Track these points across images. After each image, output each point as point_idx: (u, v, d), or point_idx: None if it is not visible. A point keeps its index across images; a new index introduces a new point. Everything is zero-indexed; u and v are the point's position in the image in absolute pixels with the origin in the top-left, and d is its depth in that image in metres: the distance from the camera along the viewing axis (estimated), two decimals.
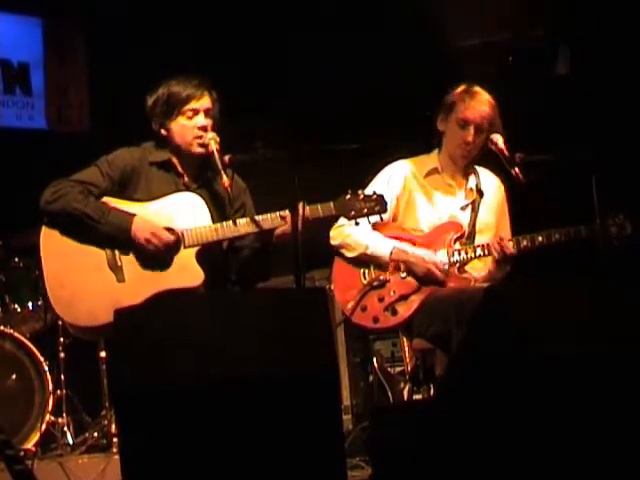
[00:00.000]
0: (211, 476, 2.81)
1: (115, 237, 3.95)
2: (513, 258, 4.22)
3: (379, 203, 4.02)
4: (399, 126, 5.88)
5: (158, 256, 3.94)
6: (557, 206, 5.35)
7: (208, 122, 4.06)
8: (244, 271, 4.18)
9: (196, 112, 4.06)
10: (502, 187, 4.48)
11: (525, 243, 4.23)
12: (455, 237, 4.30)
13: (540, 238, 4.22)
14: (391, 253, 4.26)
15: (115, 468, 4.22)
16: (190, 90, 4.06)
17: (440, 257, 4.24)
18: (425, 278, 4.23)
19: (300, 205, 3.78)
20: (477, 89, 4.31)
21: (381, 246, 4.27)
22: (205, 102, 4.08)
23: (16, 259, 5.43)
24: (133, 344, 2.85)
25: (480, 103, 4.26)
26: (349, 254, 4.31)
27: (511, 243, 4.22)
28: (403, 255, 4.26)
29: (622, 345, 2.80)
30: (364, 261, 4.30)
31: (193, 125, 4.05)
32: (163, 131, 4.11)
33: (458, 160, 4.38)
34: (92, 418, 5.31)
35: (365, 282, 4.27)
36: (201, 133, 4.04)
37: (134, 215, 3.97)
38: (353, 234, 4.26)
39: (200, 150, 4.06)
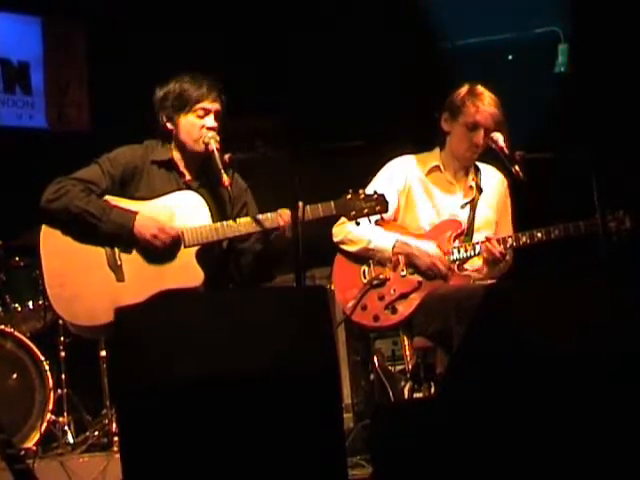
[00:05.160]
0: (212, 475, 2.81)
1: (116, 235, 3.95)
2: (504, 258, 4.23)
3: (380, 203, 4.02)
4: (399, 125, 5.89)
5: (164, 250, 3.95)
6: (557, 204, 5.36)
7: (217, 124, 4.07)
8: (247, 275, 4.18)
9: (207, 112, 4.07)
10: (505, 182, 4.48)
11: (524, 239, 4.23)
12: (454, 235, 4.30)
13: (539, 234, 4.22)
14: (394, 246, 4.26)
15: (116, 467, 4.21)
16: (204, 90, 4.07)
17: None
18: (429, 271, 4.23)
19: (300, 206, 3.77)
20: (481, 89, 4.30)
21: (383, 239, 4.27)
22: (216, 104, 4.09)
23: (17, 258, 5.43)
24: (133, 343, 2.85)
25: (489, 105, 4.25)
26: (351, 248, 4.31)
27: (510, 240, 4.23)
28: (406, 248, 4.25)
29: (622, 345, 2.80)
30: (366, 256, 4.30)
31: (202, 124, 4.06)
32: (169, 125, 4.12)
33: (465, 161, 4.38)
34: (93, 417, 5.31)
35: (365, 281, 4.27)
36: (206, 133, 4.05)
37: (136, 213, 3.98)
38: (355, 229, 4.25)
39: (202, 148, 4.06)
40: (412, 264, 4.25)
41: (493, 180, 4.46)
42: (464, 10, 6.06)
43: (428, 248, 4.24)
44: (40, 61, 6.71)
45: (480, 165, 4.45)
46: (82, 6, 6.54)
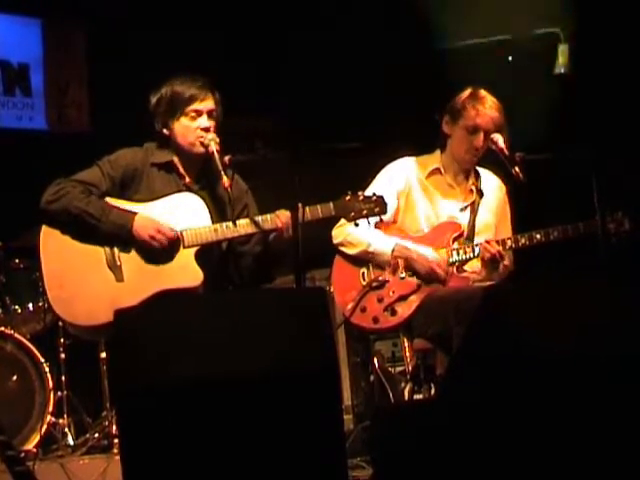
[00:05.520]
0: (212, 476, 2.81)
1: (116, 236, 3.95)
2: (502, 259, 4.23)
3: (379, 204, 4.03)
4: (399, 125, 5.89)
5: (162, 252, 3.95)
6: (557, 205, 5.35)
7: (211, 123, 4.06)
8: (247, 277, 4.18)
9: (199, 113, 4.06)
10: (503, 188, 4.49)
11: (523, 241, 4.23)
12: (454, 236, 4.30)
13: (538, 236, 4.22)
14: (393, 250, 4.25)
15: (116, 469, 4.21)
16: (194, 91, 4.06)
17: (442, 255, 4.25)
18: (427, 276, 4.23)
19: (299, 207, 3.77)
20: (484, 93, 4.30)
21: (383, 243, 4.27)
22: (208, 103, 4.07)
23: (16, 260, 5.43)
24: (133, 344, 2.85)
25: (490, 109, 4.26)
26: (350, 251, 4.31)
27: (509, 241, 4.23)
28: (405, 252, 4.25)
29: (621, 346, 2.80)
30: (365, 259, 4.29)
31: (196, 126, 4.05)
32: (165, 131, 4.11)
33: (465, 164, 4.38)
34: (93, 419, 5.31)
35: (364, 283, 4.27)
36: (203, 134, 4.04)
37: (135, 214, 3.98)
38: (354, 232, 4.25)
39: (201, 150, 4.06)
40: (411, 268, 4.24)
41: (492, 186, 4.46)
42: (464, 10, 6.06)
43: (427, 253, 4.24)
44: (40, 62, 6.71)
45: (480, 170, 4.45)
46: (82, 6, 6.54)
